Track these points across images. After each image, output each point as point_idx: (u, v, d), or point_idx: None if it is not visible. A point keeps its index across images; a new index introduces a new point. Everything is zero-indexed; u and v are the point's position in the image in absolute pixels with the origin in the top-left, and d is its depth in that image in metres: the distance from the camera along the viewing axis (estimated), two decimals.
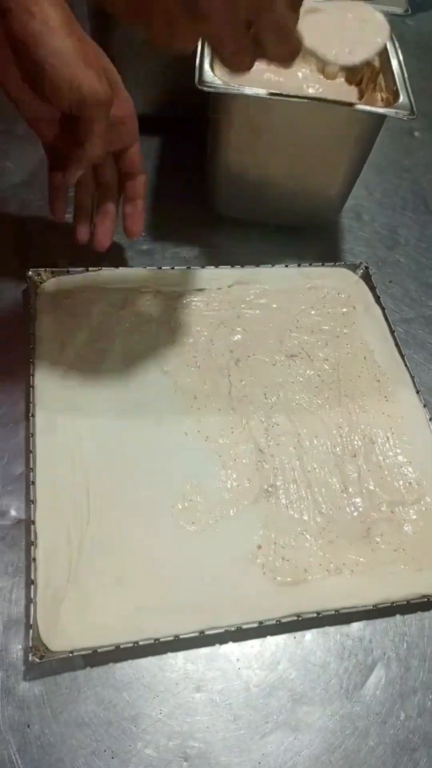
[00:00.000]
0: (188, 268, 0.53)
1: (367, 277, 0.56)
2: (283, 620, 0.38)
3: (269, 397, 0.47)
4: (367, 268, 0.56)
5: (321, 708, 0.37)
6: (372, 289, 0.55)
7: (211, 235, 0.58)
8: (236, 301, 0.52)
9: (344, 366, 0.50)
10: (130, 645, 0.36)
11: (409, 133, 0.75)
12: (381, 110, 0.49)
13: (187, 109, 0.60)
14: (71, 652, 0.35)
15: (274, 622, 0.37)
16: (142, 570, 0.38)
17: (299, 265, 0.55)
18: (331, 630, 0.39)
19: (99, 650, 0.35)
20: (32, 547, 0.38)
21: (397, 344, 0.52)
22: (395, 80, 0.50)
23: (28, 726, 0.34)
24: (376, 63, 0.54)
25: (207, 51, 0.49)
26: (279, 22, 0.34)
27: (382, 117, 0.49)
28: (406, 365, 0.50)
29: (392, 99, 0.50)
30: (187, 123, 0.62)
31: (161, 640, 0.36)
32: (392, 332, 0.53)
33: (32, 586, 0.36)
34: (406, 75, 0.51)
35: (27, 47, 0.38)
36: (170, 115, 0.64)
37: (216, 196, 0.58)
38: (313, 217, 0.59)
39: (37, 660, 0.34)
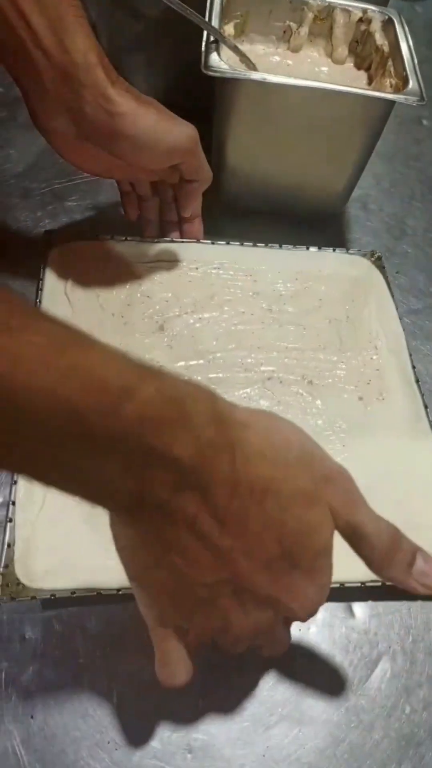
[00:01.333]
0: (204, 242, 0.53)
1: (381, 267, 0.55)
2: None
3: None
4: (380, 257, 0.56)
5: (326, 701, 0.36)
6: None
7: (218, 224, 0.57)
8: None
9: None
10: (113, 592, 0.36)
11: (418, 122, 0.74)
12: (390, 96, 0.48)
13: (193, 98, 0.59)
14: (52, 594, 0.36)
15: None
16: None
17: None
18: (336, 622, 0.39)
19: (57, 595, 0.36)
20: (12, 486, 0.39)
21: None
22: (405, 65, 0.50)
23: (32, 717, 0.34)
24: (386, 48, 0.53)
25: (212, 37, 0.48)
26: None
27: (391, 103, 0.48)
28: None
29: (401, 85, 0.49)
30: (193, 112, 0.61)
31: (103, 592, 0.36)
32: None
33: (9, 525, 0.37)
34: (416, 60, 0.50)
35: (114, 142, 0.40)
36: (177, 103, 0.64)
37: (222, 185, 0.58)
38: (320, 207, 0.59)
39: (7, 599, 0.35)
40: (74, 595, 0.36)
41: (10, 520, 0.37)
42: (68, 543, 0.37)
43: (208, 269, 0.52)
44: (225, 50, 0.50)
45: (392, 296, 0.53)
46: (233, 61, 0.51)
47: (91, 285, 0.49)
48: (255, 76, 0.47)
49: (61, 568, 0.36)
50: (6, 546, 0.36)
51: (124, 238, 0.52)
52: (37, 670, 0.35)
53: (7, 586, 0.35)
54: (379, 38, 0.54)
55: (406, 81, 0.48)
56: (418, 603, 0.40)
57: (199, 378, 0.46)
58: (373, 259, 0.55)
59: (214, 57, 0.47)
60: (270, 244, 0.54)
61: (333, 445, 0.45)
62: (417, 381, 0.48)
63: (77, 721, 0.34)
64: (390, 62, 0.52)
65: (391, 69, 0.52)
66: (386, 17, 0.54)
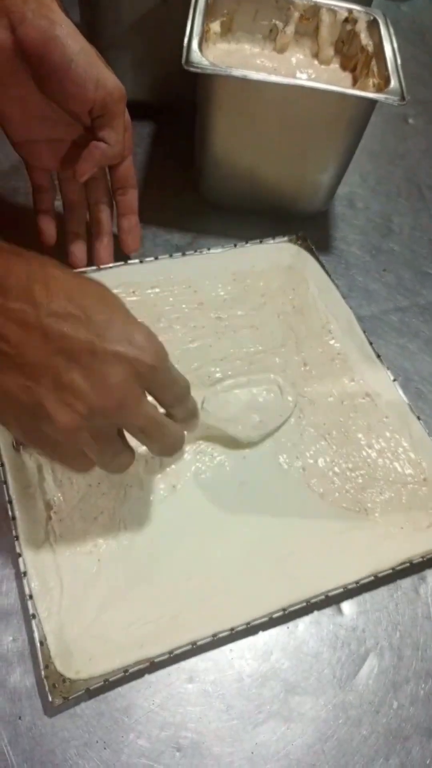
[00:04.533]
0: (132, 262, 0.51)
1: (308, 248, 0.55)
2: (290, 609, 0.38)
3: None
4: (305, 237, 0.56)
5: (314, 698, 0.36)
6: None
7: (203, 222, 0.57)
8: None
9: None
10: (142, 665, 0.35)
11: (404, 120, 0.74)
12: (371, 95, 0.48)
13: (178, 95, 0.59)
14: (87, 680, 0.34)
15: (272, 616, 0.37)
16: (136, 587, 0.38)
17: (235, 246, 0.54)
18: (323, 620, 0.39)
19: (110, 678, 0.34)
20: (24, 579, 0.36)
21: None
22: (387, 66, 0.50)
23: (20, 718, 0.34)
24: (370, 48, 0.54)
25: (195, 31, 0.48)
26: (146, 423, 0.32)
27: (372, 102, 0.49)
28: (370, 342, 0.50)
29: (384, 84, 0.49)
30: (178, 109, 0.62)
31: (156, 660, 0.35)
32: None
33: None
34: (398, 61, 0.50)
35: (49, 52, 0.39)
36: (162, 101, 0.64)
37: (204, 182, 0.58)
38: (303, 204, 0.59)
39: (60, 700, 0.33)
40: (128, 673, 0.34)
41: (34, 616, 0.35)
42: (98, 623, 0.36)
43: (145, 290, 0.50)
44: (208, 47, 0.50)
45: (328, 274, 0.53)
46: (216, 57, 0.51)
47: None
48: (236, 72, 0.47)
49: (103, 650, 0.35)
50: (39, 644, 0.34)
51: None
52: (24, 672, 0.35)
53: (54, 686, 0.33)
54: (364, 38, 0.54)
55: (388, 81, 0.49)
56: (406, 600, 0.40)
57: None
58: (299, 242, 0.55)
59: (195, 53, 0.47)
60: (199, 250, 0.53)
61: (322, 442, 0.45)
62: (378, 356, 0.49)
63: (65, 722, 0.34)
64: (374, 62, 0.52)
65: (375, 69, 0.52)
66: (371, 17, 0.54)
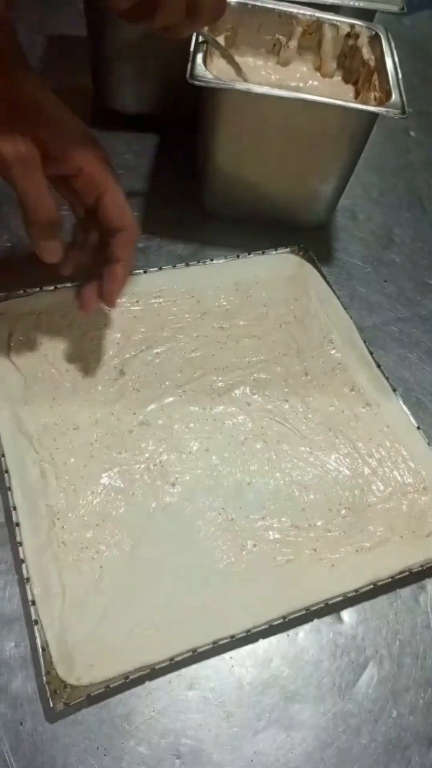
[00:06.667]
0: (137, 272, 0.51)
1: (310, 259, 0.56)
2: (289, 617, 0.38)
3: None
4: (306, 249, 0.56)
5: (313, 706, 0.37)
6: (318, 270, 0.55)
7: (206, 233, 0.58)
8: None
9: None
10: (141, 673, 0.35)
11: (405, 132, 0.75)
12: (372, 108, 0.49)
13: (183, 107, 0.60)
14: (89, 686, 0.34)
15: (273, 623, 0.37)
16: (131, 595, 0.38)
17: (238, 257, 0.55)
18: (323, 628, 0.39)
19: (111, 685, 0.34)
20: (27, 585, 0.37)
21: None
22: (389, 80, 0.51)
23: (21, 724, 0.34)
24: (372, 63, 0.54)
25: (200, 45, 0.49)
26: None
27: (373, 115, 0.49)
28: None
29: (385, 98, 0.50)
30: (183, 121, 0.62)
31: (157, 667, 0.35)
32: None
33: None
34: (399, 74, 0.51)
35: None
36: (166, 113, 0.65)
37: (207, 193, 0.58)
38: (306, 216, 0.59)
39: (61, 706, 0.33)
40: (129, 680, 0.35)
41: (36, 622, 0.35)
42: (100, 629, 0.36)
43: (149, 300, 0.51)
44: (212, 61, 0.50)
45: (329, 285, 0.54)
46: (220, 71, 0.51)
47: (35, 345, 0.46)
48: (240, 86, 0.47)
49: (104, 656, 0.35)
50: (41, 650, 0.34)
51: (53, 288, 0.49)
52: (26, 677, 0.35)
53: (56, 692, 0.33)
54: (366, 53, 0.55)
55: (389, 94, 0.49)
56: (405, 608, 0.40)
57: (176, 416, 0.45)
58: (301, 253, 0.56)
59: (200, 67, 0.48)
60: (202, 260, 0.54)
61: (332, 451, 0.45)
62: (379, 366, 0.49)
63: (66, 728, 0.34)
64: (375, 76, 0.53)
65: (376, 82, 0.52)
66: (373, 32, 0.55)
